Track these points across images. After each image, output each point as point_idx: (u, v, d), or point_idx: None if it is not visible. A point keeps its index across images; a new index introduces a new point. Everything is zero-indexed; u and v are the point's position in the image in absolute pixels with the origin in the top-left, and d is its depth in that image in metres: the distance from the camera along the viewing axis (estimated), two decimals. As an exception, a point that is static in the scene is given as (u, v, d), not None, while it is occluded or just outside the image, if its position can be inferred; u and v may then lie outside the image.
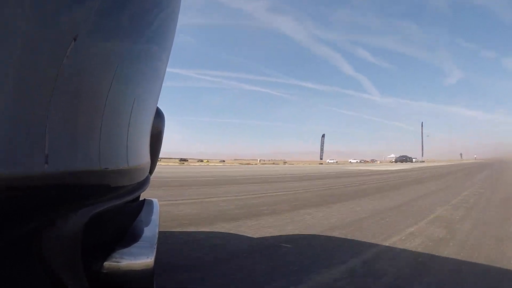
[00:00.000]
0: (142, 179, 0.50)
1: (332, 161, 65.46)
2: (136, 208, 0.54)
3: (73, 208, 0.30)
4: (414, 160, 76.14)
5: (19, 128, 0.23)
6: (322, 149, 74.74)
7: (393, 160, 77.25)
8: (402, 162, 59.58)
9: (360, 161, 68.82)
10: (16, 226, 0.26)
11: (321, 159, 72.89)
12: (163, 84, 0.61)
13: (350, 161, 69.41)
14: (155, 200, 0.63)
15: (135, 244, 0.41)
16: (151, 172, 0.68)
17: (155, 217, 0.54)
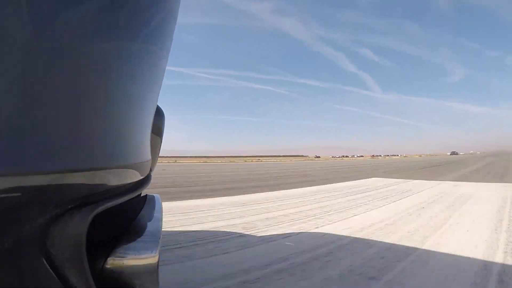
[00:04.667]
0: (143, 176, 0.50)
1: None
2: (139, 204, 0.55)
3: (76, 206, 0.30)
4: (459, 154, 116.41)
5: (21, 127, 0.24)
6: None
7: (449, 154, 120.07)
8: (455, 155, 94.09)
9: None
10: (21, 225, 0.26)
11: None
12: (166, 83, 0.61)
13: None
14: (157, 196, 0.63)
15: (139, 239, 0.42)
16: (151, 169, 0.68)
17: (157, 212, 0.54)
